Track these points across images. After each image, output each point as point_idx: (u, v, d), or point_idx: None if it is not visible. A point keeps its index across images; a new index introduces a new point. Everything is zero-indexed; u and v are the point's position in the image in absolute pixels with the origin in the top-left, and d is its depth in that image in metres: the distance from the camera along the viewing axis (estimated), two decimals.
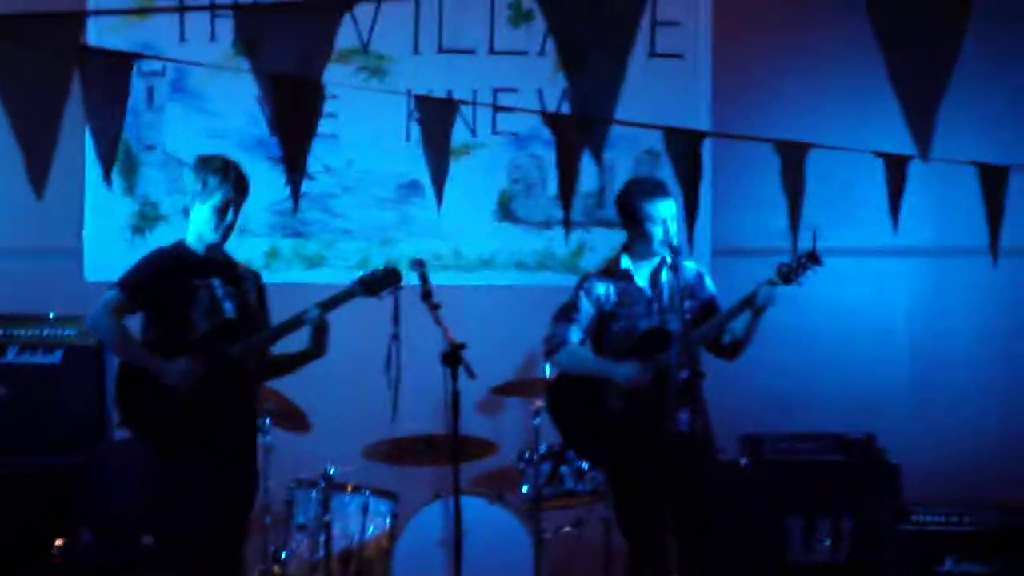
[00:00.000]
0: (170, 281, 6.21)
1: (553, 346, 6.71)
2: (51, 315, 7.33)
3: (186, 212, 6.31)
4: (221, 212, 6.23)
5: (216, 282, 6.29)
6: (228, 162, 6.28)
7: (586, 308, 6.67)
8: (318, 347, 6.38)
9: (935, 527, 6.99)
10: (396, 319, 6.61)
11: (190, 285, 6.23)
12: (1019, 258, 8.32)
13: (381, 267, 6.55)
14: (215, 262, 6.33)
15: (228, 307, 6.29)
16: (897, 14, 4.39)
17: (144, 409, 6.15)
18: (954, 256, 8.66)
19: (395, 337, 6.65)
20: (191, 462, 6.12)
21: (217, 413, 6.15)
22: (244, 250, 8.43)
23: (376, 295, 6.49)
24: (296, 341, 6.41)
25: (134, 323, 6.30)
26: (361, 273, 6.52)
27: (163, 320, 6.23)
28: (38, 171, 4.50)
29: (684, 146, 5.38)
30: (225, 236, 6.31)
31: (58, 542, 6.63)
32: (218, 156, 6.34)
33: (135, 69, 4.72)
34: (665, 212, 6.55)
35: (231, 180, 6.22)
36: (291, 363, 6.53)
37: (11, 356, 7.16)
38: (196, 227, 6.29)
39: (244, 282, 6.41)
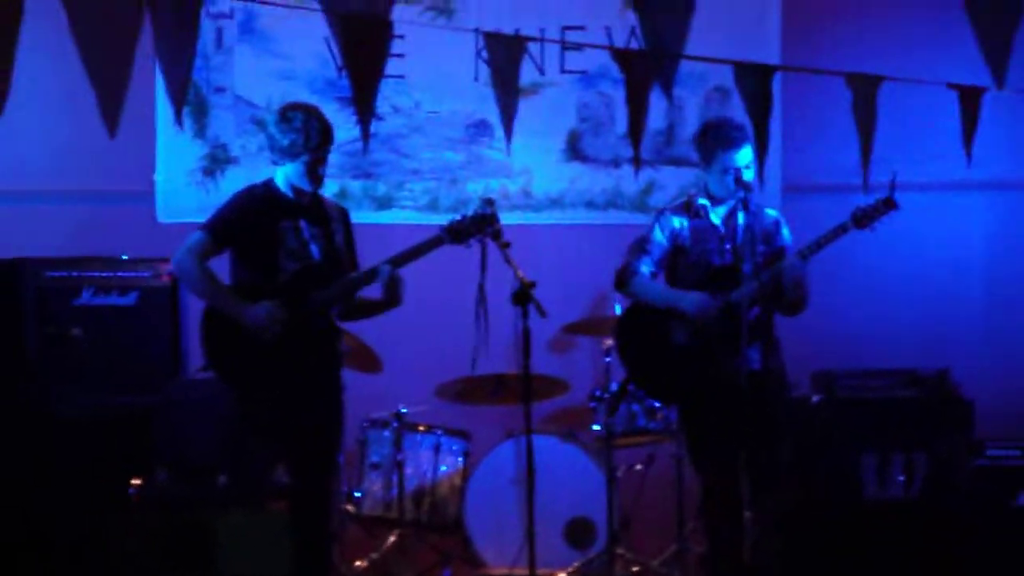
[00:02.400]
0: (257, 223, 6.23)
1: (624, 277, 6.70)
2: (124, 257, 7.37)
3: (281, 158, 6.29)
4: (311, 167, 6.24)
5: (303, 224, 6.30)
6: (309, 116, 6.25)
7: (659, 241, 6.65)
8: (392, 299, 6.37)
9: (1009, 461, 6.94)
10: (483, 266, 6.51)
11: (277, 227, 6.24)
12: None
13: (470, 212, 6.41)
14: (303, 204, 6.33)
15: (314, 249, 6.29)
16: None
17: (227, 352, 6.19)
18: None
19: (481, 287, 6.56)
20: (273, 405, 6.16)
21: (299, 357, 6.18)
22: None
23: (464, 242, 6.39)
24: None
25: (222, 264, 6.35)
26: (449, 220, 6.41)
27: (250, 262, 6.26)
28: (111, 110, 4.53)
29: (754, 81, 5.36)
30: (318, 186, 6.34)
31: (134, 482, 6.70)
32: (300, 108, 6.31)
33: (203, 11, 4.73)
34: (742, 159, 6.50)
35: (316, 137, 6.21)
36: (371, 309, 6.53)
37: (86, 298, 7.20)
38: (286, 174, 6.29)
39: (331, 222, 6.40)
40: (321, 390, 6.27)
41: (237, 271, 6.30)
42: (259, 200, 6.28)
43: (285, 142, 6.20)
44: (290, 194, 6.30)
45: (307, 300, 6.18)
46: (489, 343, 6.81)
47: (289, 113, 6.26)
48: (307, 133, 6.19)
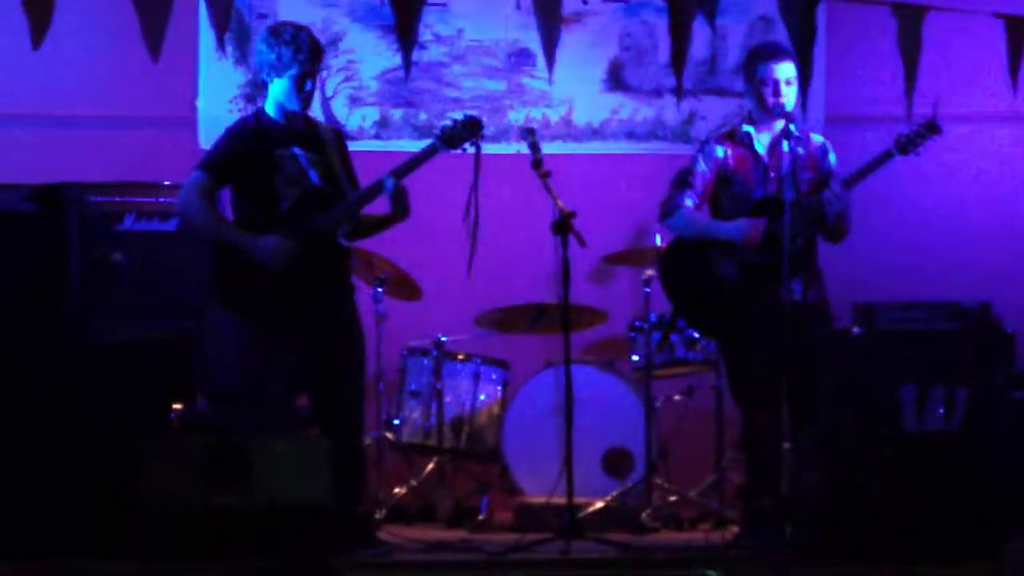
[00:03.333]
0: (253, 155, 6.23)
1: (667, 210, 6.68)
2: (166, 183, 7.39)
3: (264, 84, 6.32)
4: (299, 82, 6.24)
5: (299, 150, 6.29)
6: (299, 30, 6.27)
7: (703, 172, 6.63)
8: (399, 211, 6.37)
9: None
10: (476, 170, 6.46)
11: (273, 156, 6.24)
12: None
13: (461, 120, 6.42)
14: (296, 130, 6.33)
15: (313, 175, 6.29)
16: None
17: (239, 286, 6.21)
18: None
19: (474, 189, 6.50)
20: (290, 332, 6.19)
21: (310, 284, 6.19)
22: (355, 118, 8.51)
23: (458, 147, 6.37)
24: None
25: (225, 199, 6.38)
26: (440, 128, 6.43)
27: (250, 194, 6.27)
28: (154, 34, 4.54)
29: (798, 10, 5.32)
30: (306, 105, 6.31)
31: (176, 407, 6.74)
32: (288, 24, 6.33)
33: None
34: (782, 74, 6.48)
35: (306, 50, 6.22)
36: (379, 225, 6.53)
37: (128, 223, 7.21)
38: (275, 98, 6.30)
39: (327, 145, 6.40)
40: (335, 315, 6.28)
41: (239, 205, 6.32)
42: (252, 132, 6.28)
43: (273, 56, 6.21)
44: (282, 121, 6.30)
45: (311, 225, 6.18)
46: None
47: (276, 29, 6.28)
48: (296, 45, 6.19)
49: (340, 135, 6.57)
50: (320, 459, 5.98)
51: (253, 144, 6.26)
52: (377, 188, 6.29)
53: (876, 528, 6.11)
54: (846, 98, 8.57)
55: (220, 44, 5.00)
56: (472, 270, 6.57)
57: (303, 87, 6.26)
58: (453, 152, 6.38)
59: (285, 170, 6.26)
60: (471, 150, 6.38)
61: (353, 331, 6.38)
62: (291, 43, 6.22)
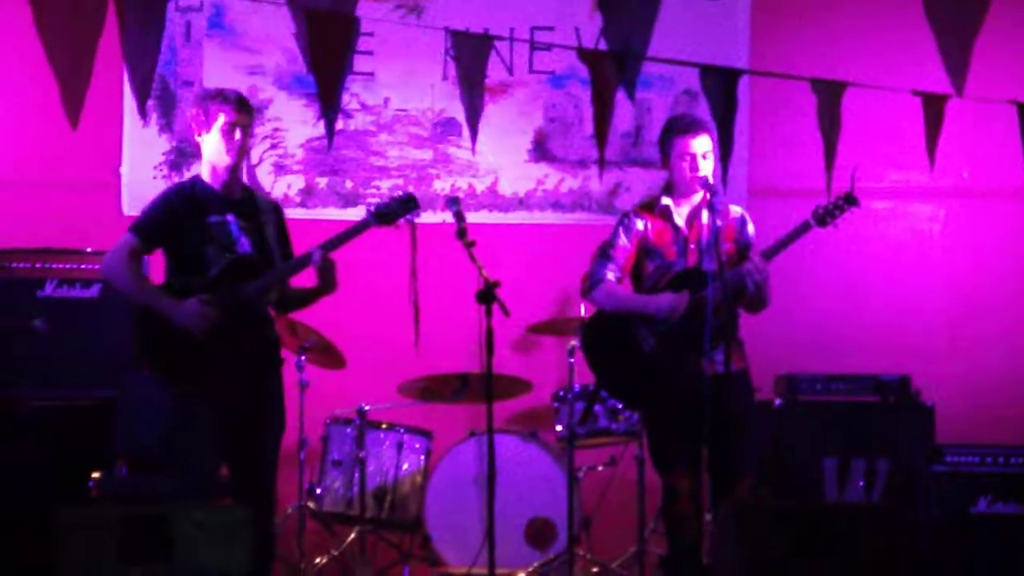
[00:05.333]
0: (184, 220, 6.19)
1: (590, 284, 6.71)
2: (88, 250, 7.35)
3: (195, 151, 6.31)
4: (228, 134, 6.21)
5: (231, 217, 6.27)
6: (224, 88, 6.29)
7: (624, 245, 6.66)
8: (326, 284, 6.35)
9: (969, 468, 6.97)
10: (413, 246, 6.48)
11: (204, 223, 6.21)
12: None
13: (397, 196, 6.42)
14: (231, 197, 6.30)
15: (244, 243, 6.27)
16: None
17: (161, 350, 6.16)
18: (992, 196, 8.59)
19: (413, 268, 6.53)
20: (212, 400, 6.14)
21: (234, 351, 6.15)
22: (280, 186, 8.51)
23: (392, 224, 6.38)
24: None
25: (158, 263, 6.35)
26: (375, 204, 6.43)
27: (180, 260, 6.23)
28: (73, 101, 4.53)
29: (719, 84, 5.37)
30: (238, 157, 6.27)
31: (95, 475, 6.67)
32: (216, 91, 6.33)
33: (172, 4, 4.72)
34: (698, 147, 6.53)
35: (231, 101, 6.21)
36: (306, 298, 6.51)
37: (49, 290, 7.18)
38: (208, 158, 6.27)
39: (262, 214, 6.37)
40: (257, 384, 6.24)
41: (169, 269, 6.28)
42: (186, 197, 6.25)
43: (201, 116, 6.20)
44: (218, 187, 6.27)
45: (236, 292, 6.15)
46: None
47: (205, 96, 6.28)
48: (223, 97, 6.20)
49: (278, 208, 6.53)
50: (241, 530, 5.92)
51: (185, 210, 6.22)
52: (305, 260, 6.26)
53: None
54: (769, 171, 8.65)
55: (142, 111, 4.99)
56: (418, 340, 6.58)
57: (232, 137, 6.21)
58: (389, 228, 6.38)
59: (215, 237, 6.22)
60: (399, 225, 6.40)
61: (275, 404, 6.34)
62: (217, 96, 6.22)
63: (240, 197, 6.34)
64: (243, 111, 6.24)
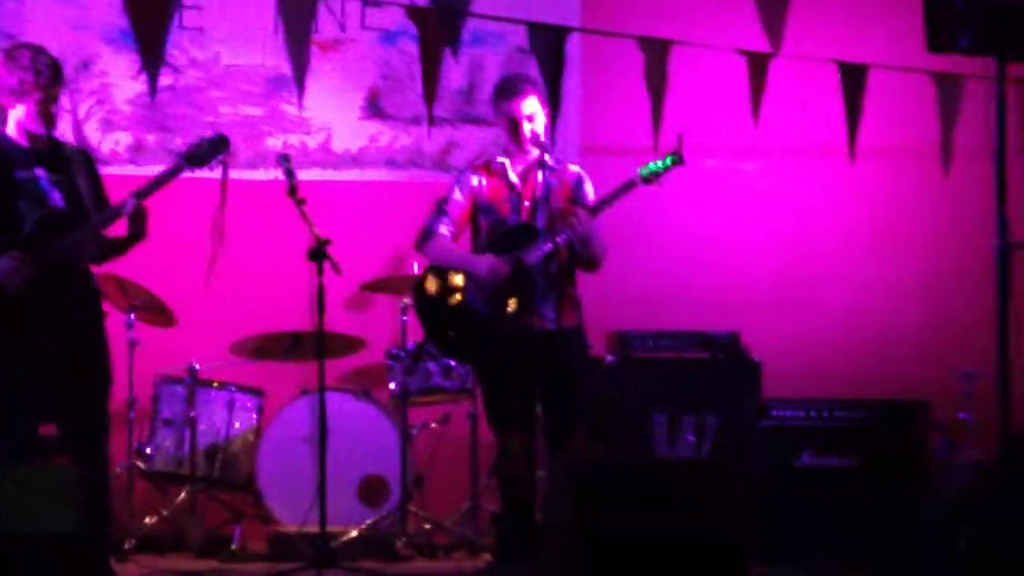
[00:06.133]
0: None
1: (423, 237, 6.70)
2: None
3: (5, 101, 6.17)
4: (42, 107, 6.13)
5: (41, 172, 6.16)
6: (37, 53, 6.15)
7: (458, 200, 6.65)
8: (137, 233, 6.26)
9: (794, 422, 7.10)
10: (223, 187, 6.38)
11: (13, 177, 6.10)
12: (879, 157, 8.43)
13: (207, 137, 6.31)
14: (40, 151, 6.19)
15: (55, 196, 6.16)
16: None
17: None
18: (818, 155, 8.72)
19: (220, 206, 6.44)
20: (32, 357, 6.03)
21: (51, 307, 6.06)
22: (108, 142, 8.37)
23: (205, 166, 6.26)
24: None
25: None
26: (186, 146, 6.32)
27: None
28: None
29: (548, 42, 5.39)
30: (51, 127, 6.19)
31: None
32: (25, 47, 6.20)
33: None
34: (526, 108, 6.54)
35: (46, 74, 6.10)
36: (120, 246, 6.40)
37: None
38: (17, 120, 6.16)
39: (71, 165, 6.27)
40: (81, 340, 6.15)
41: None
42: None
43: (13, 81, 6.09)
44: (24, 142, 6.17)
45: (51, 247, 6.05)
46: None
47: (15, 52, 6.16)
48: (36, 69, 6.08)
49: (87, 155, 6.42)
50: (67, 487, 5.83)
51: None
52: (118, 210, 6.15)
53: (625, 556, 6.18)
54: (601, 130, 8.69)
55: None
56: (211, 281, 6.50)
57: (47, 110, 6.13)
58: (201, 171, 6.28)
59: (26, 193, 6.10)
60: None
61: (99, 357, 6.24)
62: (30, 68, 6.08)
63: (47, 150, 6.22)
64: (57, 83, 6.13)
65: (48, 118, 6.16)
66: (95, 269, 6.31)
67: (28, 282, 5.99)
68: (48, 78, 6.09)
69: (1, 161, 6.10)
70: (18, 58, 6.13)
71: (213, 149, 6.28)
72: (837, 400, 7.20)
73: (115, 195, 6.41)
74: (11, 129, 6.18)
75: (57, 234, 6.08)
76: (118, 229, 6.29)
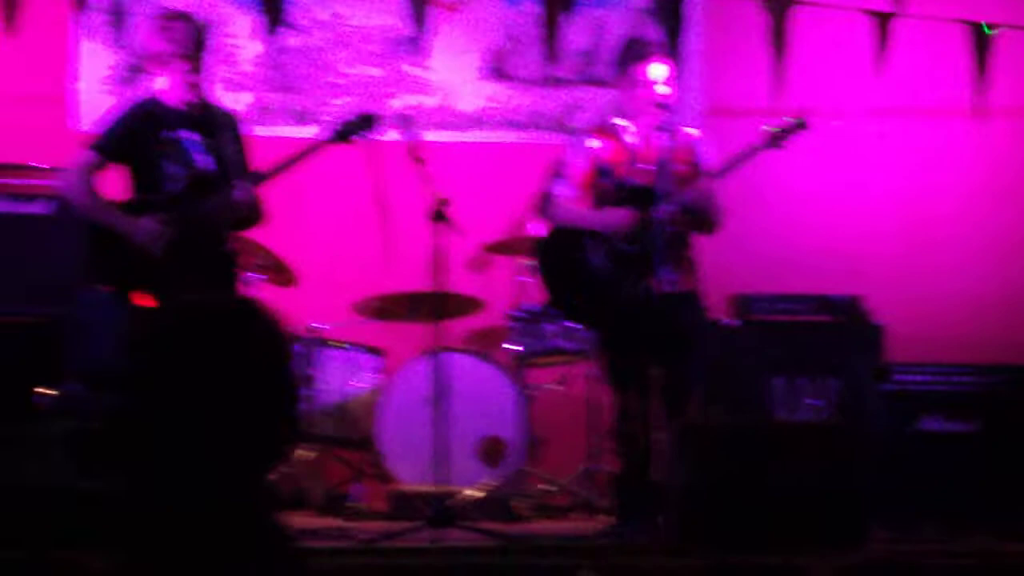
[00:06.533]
0: (142, 136, 6.20)
1: (544, 200, 6.70)
2: (37, 165, 7.29)
3: (153, 67, 6.27)
4: (189, 73, 6.22)
5: (190, 133, 6.26)
6: (185, 23, 6.24)
7: (577, 162, 6.65)
8: (253, 218, 6.38)
9: (916, 387, 7.01)
10: (374, 164, 6.45)
11: (162, 139, 6.21)
12: (1004, 118, 8.29)
13: (357, 114, 6.41)
14: (190, 114, 6.29)
15: (199, 158, 6.26)
16: None
17: (117, 266, 6.16)
18: (943, 115, 8.60)
19: (377, 186, 6.51)
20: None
21: (189, 267, 6.15)
22: (232, 103, 8.43)
23: (348, 141, 6.36)
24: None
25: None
26: (336, 122, 6.40)
27: (138, 176, 6.24)
28: (8, 5, 4.48)
29: (669, 3, 5.36)
30: (199, 92, 6.28)
31: (42, 391, 6.66)
32: (175, 16, 6.29)
33: None
34: (655, 73, 6.50)
35: (194, 43, 6.19)
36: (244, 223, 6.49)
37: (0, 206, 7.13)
38: (167, 85, 6.26)
39: (220, 130, 6.36)
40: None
41: (130, 186, 6.28)
42: (143, 113, 6.25)
43: (161, 47, 6.17)
44: (175, 104, 6.26)
45: (194, 210, 6.15)
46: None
47: (162, 20, 6.24)
48: (181, 38, 6.16)
49: (235, 120, 6.52)
50: None
51: (143, 126, 6.22)
52: (230, 191, 6.24)
53: (746, 518, 6.16)
54: (723, 91, 8.63)
55: (79, 17, 4.98)
56: (389, 255, 6.57)
57: (192, 77, 6.24)
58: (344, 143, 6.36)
59: (173, 154, 6.22)
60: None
61: None
62: (175, 40, 6.18)
63: (198, 113, 6.32)
64: (201, 48, 6.22)
65: (192, 86, 6.25)
66: None
67: (169, 243, 6.09)
68: (193, 45, 6.18)
69: (149, 122, 6.22)
70: (166, 26, 6.22)
71: (361, 125, 6.34)
72: (961, 365, 7.10)
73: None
74: (161, 91, 6.28)
75: (202, 196, 6.18)
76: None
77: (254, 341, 2.68)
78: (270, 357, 2.68)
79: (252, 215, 6.35)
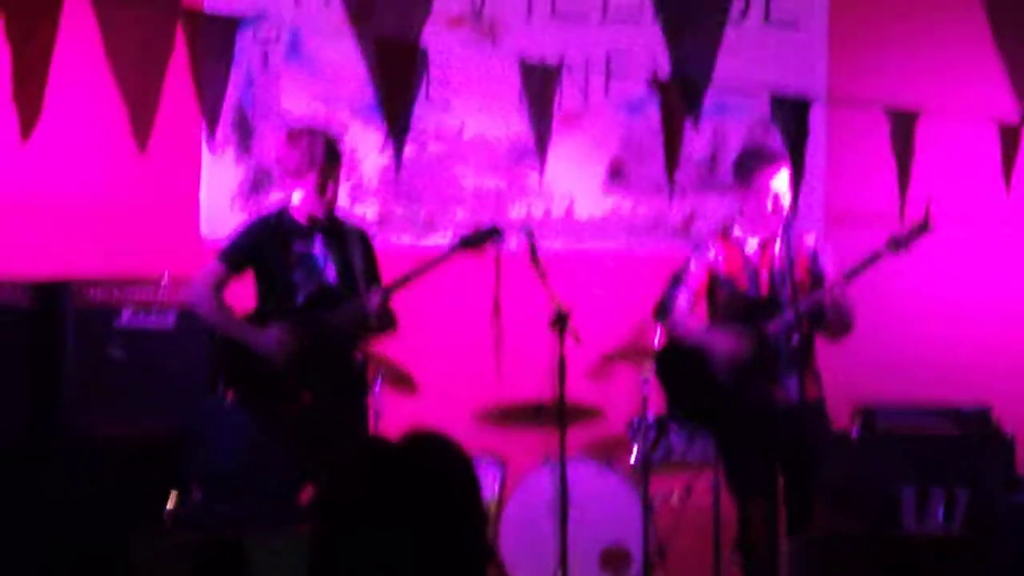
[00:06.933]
0: (270, 248, 6.29)
1: (661, 309, 6.70)
2: (164, 278, 7.39)
3: (284, 183, 6.37)
4: (320, 187, 6.30)
5: (318, 245, 6.34)
6: (315, 138, 6.33)
7: (696, 272, 6.64)
8: (385, 325, 6.43)
9: None
10: (497, 276, 6.52)
11: (290, 251, 6.29)
12: None
13: (482, 225, 6.54)
14: (318, 226, 6.37)
15: (330, 271, 6.32)
16: None
17: (242, 376, 6.22)
18: None
19: (496, 296, 6.57)
20: (288, 425, 6.17)
21: (314, 379, 6.19)
22: (356, 213, 8.53)
23: (474, 251, 6.45)
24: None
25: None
26: (462, 235, 6.50)
27: (266, 287, 6.32)
28: (141, 125, 4.58)
29: (791, 113, 5.35)
30: (330, 208, 6.37)
31: (168, 503, 6.72)
32: (306, 131, 6.39)
33: (250, 34, 4.79)
34: (779, 182, 6.48)
35: (323, 156, 6.27)
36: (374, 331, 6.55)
37: (126, 318, 7.22)
38: (299, 199, 6.35)
39: (348, 243, 6.43)
40: (339, 410, 6.27)
41: (258, 295, 6.36)
42: (272, 226, 6.34)
43: (293, 162, 6.26)
44: (304, 216, 6.34)
45: (319, 322, 6.20)
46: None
47: (294, 135, 6.33)
48: (312, 154, 6.24)
49: (364, 235, 6.60)
50: None
51: (271, 238, 6.32)
52: (363, 304, 6.30)
53: None
54: (846, 197, 8.57)
55: (211, 136, 5.06)
56: (500, 368, 6.59)
57: (323, 193, 6.32)
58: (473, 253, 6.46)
59: (301, 265, 6.30)
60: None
61: (357, 428, 6.38)
62: (307, 151, 6.28)
63: (326, 225, 6.40)
64: (334, 163, 6.31)
65: (324, 200, 6.33)
66: None
67: (293, 354, 6.15)
68: (325, 160, 6.27)
69: (281, 235, 6.31)
70: (297, 141, 6.32)
71: (487, 237, 6.41)
72: None
73: None
74: (291, 204, 6.38)
75: (326, 308, 6.24)
76: None
77: (446, 475, 2.71)
78: (462, 489, 2.71)
79: (384, 324, 6.40)
